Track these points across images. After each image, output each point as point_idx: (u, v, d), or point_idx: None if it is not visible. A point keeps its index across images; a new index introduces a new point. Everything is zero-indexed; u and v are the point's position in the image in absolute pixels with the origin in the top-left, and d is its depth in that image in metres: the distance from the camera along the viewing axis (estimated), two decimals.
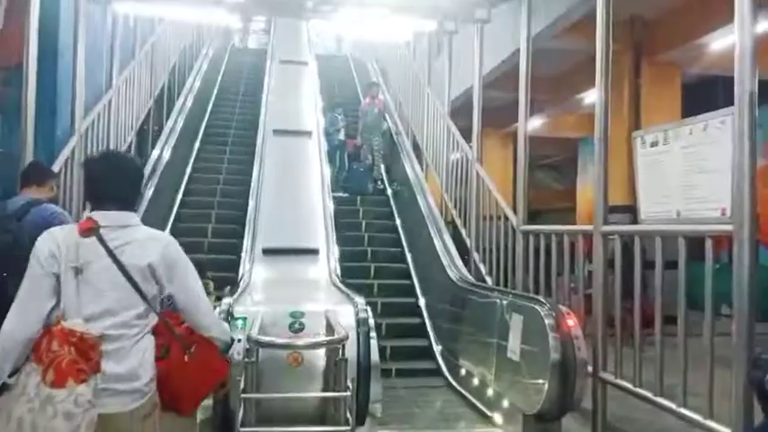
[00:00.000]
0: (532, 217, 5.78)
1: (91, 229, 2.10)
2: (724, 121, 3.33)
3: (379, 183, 9.82)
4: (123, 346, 2.06)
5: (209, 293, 5.46)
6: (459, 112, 8.54)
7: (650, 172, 3.93)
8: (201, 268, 6.02)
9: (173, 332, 2.24)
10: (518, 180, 5.67)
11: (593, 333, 4.32)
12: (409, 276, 7.82)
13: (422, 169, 9.01)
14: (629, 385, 3.95)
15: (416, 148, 9.47)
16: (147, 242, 2.17)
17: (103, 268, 2.08)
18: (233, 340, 2.58)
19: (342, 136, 10.14)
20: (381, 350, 4.53)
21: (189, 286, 2.25)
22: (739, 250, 3.09)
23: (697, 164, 3.49)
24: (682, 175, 3.60)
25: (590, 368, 4.16)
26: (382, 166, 9.94)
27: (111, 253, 2.08)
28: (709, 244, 3.35)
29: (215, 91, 12.01)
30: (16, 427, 1.92)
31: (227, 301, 4.11)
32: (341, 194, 9.02)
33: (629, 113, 9.03)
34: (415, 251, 8.11)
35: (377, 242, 8.39)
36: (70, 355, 1.95)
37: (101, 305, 2.07)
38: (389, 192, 9.70)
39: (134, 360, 2.08)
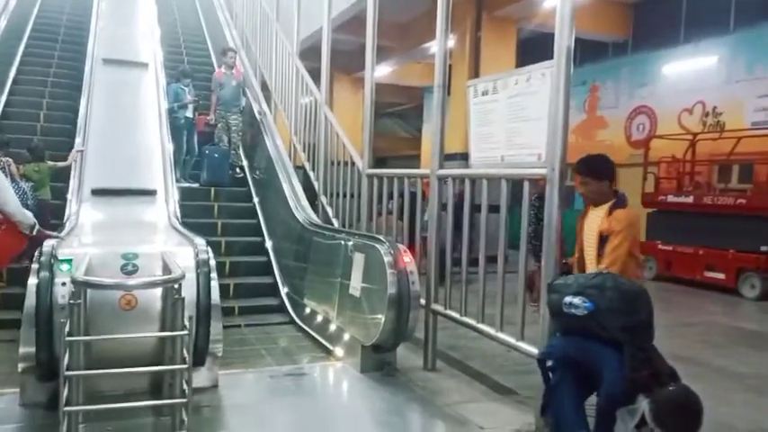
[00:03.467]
0: (382, 163, 5.93)
1: None
2: (544, 73, 3.63)
3: (238, 170, 8.42)
4: None
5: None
6: (310, 53, 8.39)
7: (480, 119, 4.20)
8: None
9: None
10: (364, 125, 5.77)
11: (427, 270, 4.64)
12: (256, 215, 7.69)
13: (270, 111, 8.77)
14: (456, 315, 4.33)
15: (265, 88, 9.17)
16: None
17: None
18: (35, 224, 3.68)
19: (190, 113, 8.24)
20: (224, 289, 4.52)
21: None
22: (550, 191, 3.46)
23: (520, 112, 3.80)
24: (507, 123, 3.90)
25: (423, 301, 4.48)
26: (241, 150, 8.60)
27: None
28: (526, 186, 3.72)
29: (35, 11, 10.63)
30: None
31: (49, 242, 3.78)
32: (190, 185, 7.78)
33: (471, 64, 9.51)
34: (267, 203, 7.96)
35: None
36: None
37: None
38: (251, 182, 8.36)
39: None
